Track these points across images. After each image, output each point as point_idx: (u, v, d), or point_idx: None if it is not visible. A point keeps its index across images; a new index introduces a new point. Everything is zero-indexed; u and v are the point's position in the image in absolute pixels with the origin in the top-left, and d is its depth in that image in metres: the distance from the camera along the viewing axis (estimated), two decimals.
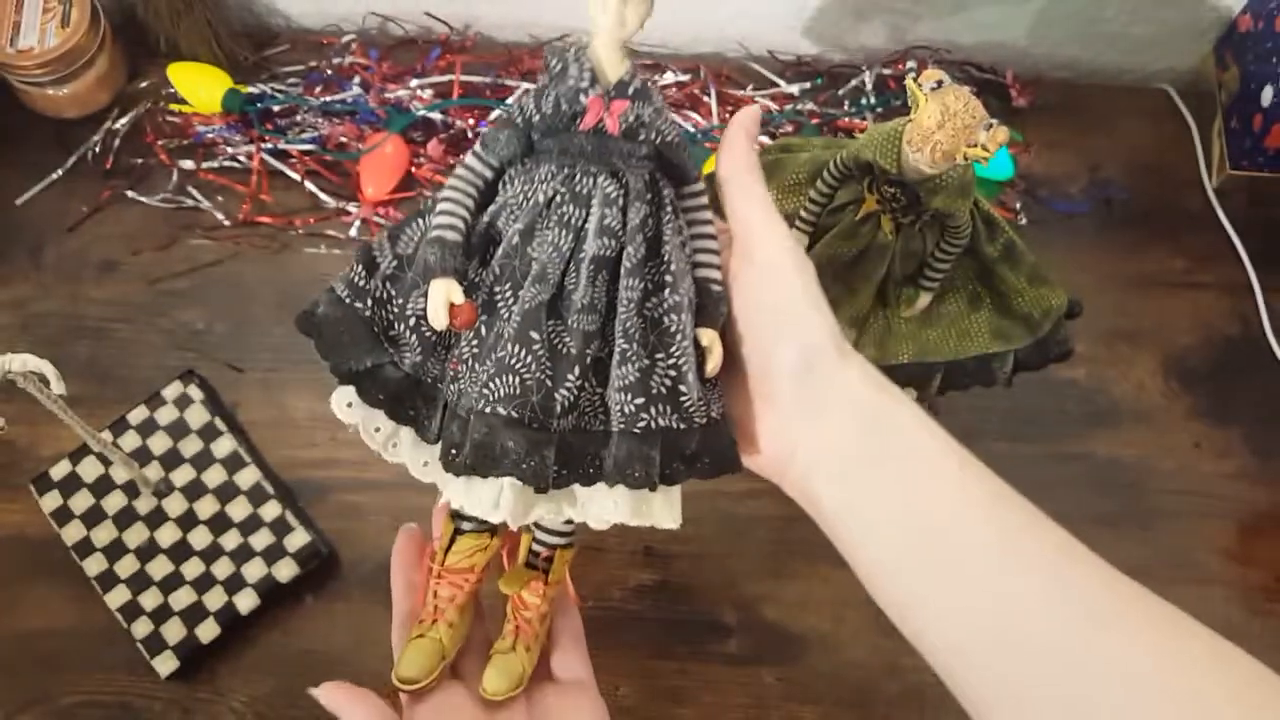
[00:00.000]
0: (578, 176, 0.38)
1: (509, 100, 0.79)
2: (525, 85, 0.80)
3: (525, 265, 0.38)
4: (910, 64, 0.83)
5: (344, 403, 0.41)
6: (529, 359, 0.37)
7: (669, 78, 0.82)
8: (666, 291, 0.38)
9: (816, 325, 0.40)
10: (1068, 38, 0.84)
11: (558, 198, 0.38)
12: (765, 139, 0.79)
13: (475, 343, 0.39)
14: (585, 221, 0.38)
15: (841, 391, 0.40)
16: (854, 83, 0.82)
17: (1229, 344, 0.75)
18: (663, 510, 0.41)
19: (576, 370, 0.38)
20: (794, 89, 0.82)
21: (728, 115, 0.80)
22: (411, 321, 0.39)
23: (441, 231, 0.38)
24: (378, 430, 0.42)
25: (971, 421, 0.71)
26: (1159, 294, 0.77)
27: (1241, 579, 0.68)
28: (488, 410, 0.37)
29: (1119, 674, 0.35)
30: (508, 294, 0.38)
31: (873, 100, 0.81)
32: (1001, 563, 0.39)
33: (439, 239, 0.38)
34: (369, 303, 0.40)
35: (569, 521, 0.44)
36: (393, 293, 0.40)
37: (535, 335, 0.37)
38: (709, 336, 0.40)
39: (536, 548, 0.48)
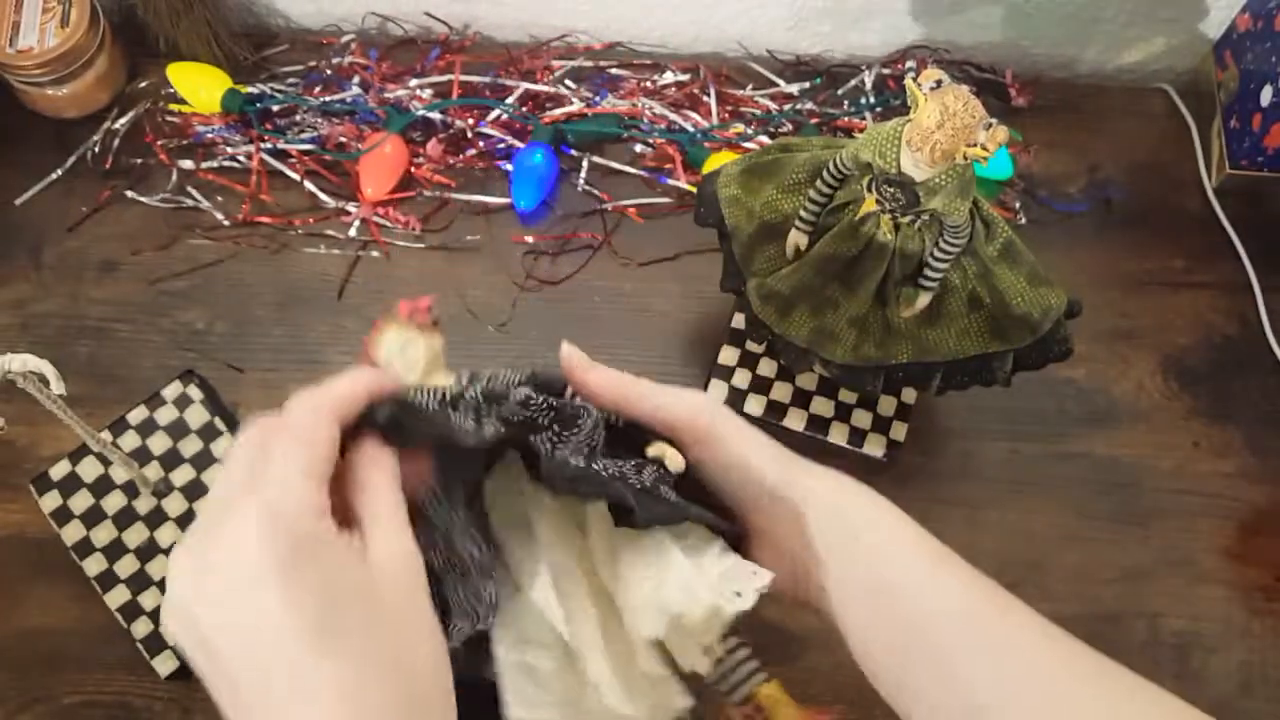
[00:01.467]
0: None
1: (509, 100, 0.79)
2: (524, 85, 0.80)
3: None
4: (910, 64, 0.83)
5: None
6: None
7: (669, 77, 0.82)
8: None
9: (762, 464, 0.43)
10: (1068, 38, 0.84)
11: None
12: (765, 139, 0.79)
13: None
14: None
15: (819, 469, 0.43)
16: (854, 83, 0.82)
17: (1229, 344, 0.75)
18: None
19: None
20: (794, 89, 0.82)
21: (728, 115, 0.80)
22: None
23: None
24: None
25: (971, 421, 0.71)
26: (1159, 294, 0.77)
27: (1241, 579, 0.68)
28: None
29: None
30: None
31: (872, 100, 0.82)
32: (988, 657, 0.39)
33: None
34: None
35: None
36: None
37: None
38: (655, 447, 0.42)
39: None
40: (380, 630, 0.32)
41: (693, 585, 0.40)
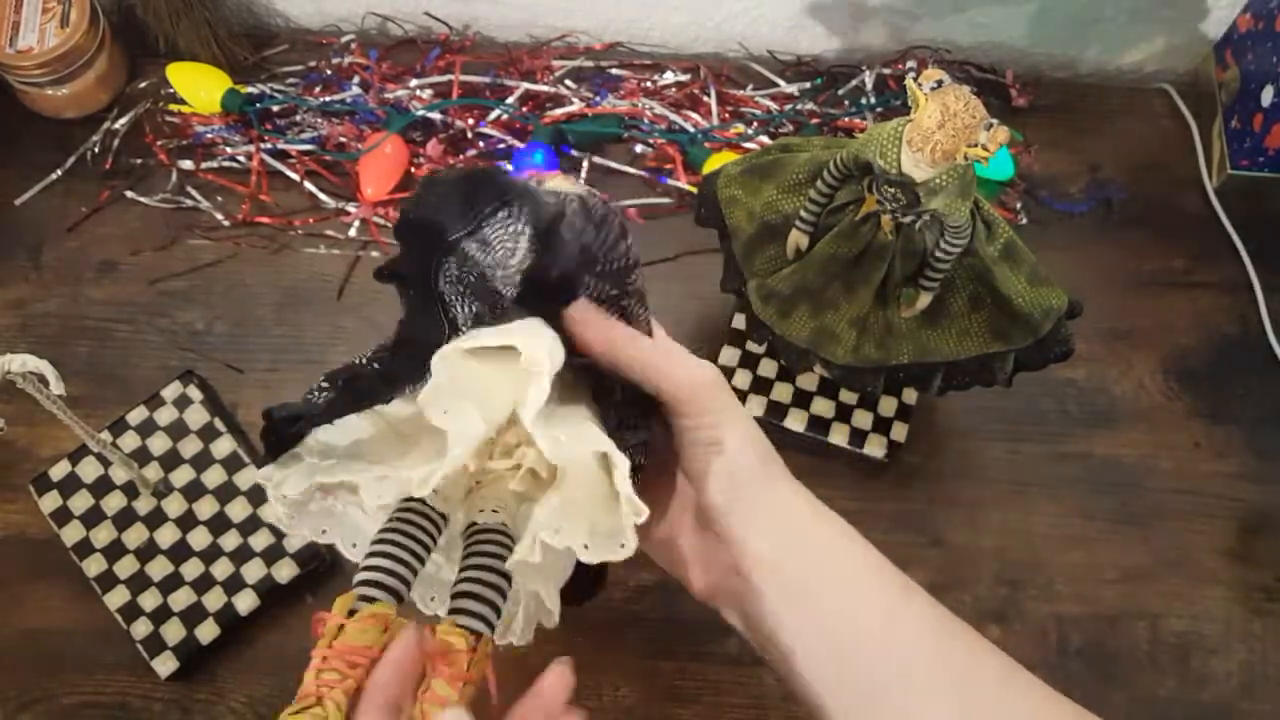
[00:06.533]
0: None
1: (509, 100, 0.79)
2: (524, 85, 0.80)
3: None
4: (910, 64, 0.83)
5: None
6: None
7: (669, 77, 0.82)
8: None
9: (738, 444, 0.40)
10: (1068, 38, 0.84)
11: None
12: (765, 139, 0.79)
13: None
14: None
15: (770, 509, 0.40)
16: (854, 83, 0.82)
17: (1229, 344, 0.75)
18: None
19: None
20: (794, 89, 0.82)
21: (728, 115, 0.80)
22: None
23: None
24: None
25: (971, 421, 0.71)
26: (1159, 294, 0.76)
27: (1241, 579, 0.68)
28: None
29: None
30: None
31: (873, 100, 0.81)
32: (942, 694, 0.38)
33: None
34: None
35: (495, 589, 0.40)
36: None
37: None
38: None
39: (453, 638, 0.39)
40: None
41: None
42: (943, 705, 0.38)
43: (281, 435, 0.40)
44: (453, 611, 0.39)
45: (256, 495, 0.65)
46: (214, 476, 0.66)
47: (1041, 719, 0.38)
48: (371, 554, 0.40)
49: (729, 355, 0.70)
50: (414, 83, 0.80)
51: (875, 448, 0.68)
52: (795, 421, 0.69)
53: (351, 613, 0.38)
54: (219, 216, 0.76)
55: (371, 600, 0.39)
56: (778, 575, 0.40)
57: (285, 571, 0.63)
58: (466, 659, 0.37)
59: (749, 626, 0.42)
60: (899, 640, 0.39)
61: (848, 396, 0.69)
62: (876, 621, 0.39)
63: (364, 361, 0.41)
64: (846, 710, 0.39)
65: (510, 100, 0.79)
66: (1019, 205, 0.79)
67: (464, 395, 0.38)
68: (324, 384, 0.41)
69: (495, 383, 0.39)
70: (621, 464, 0.37)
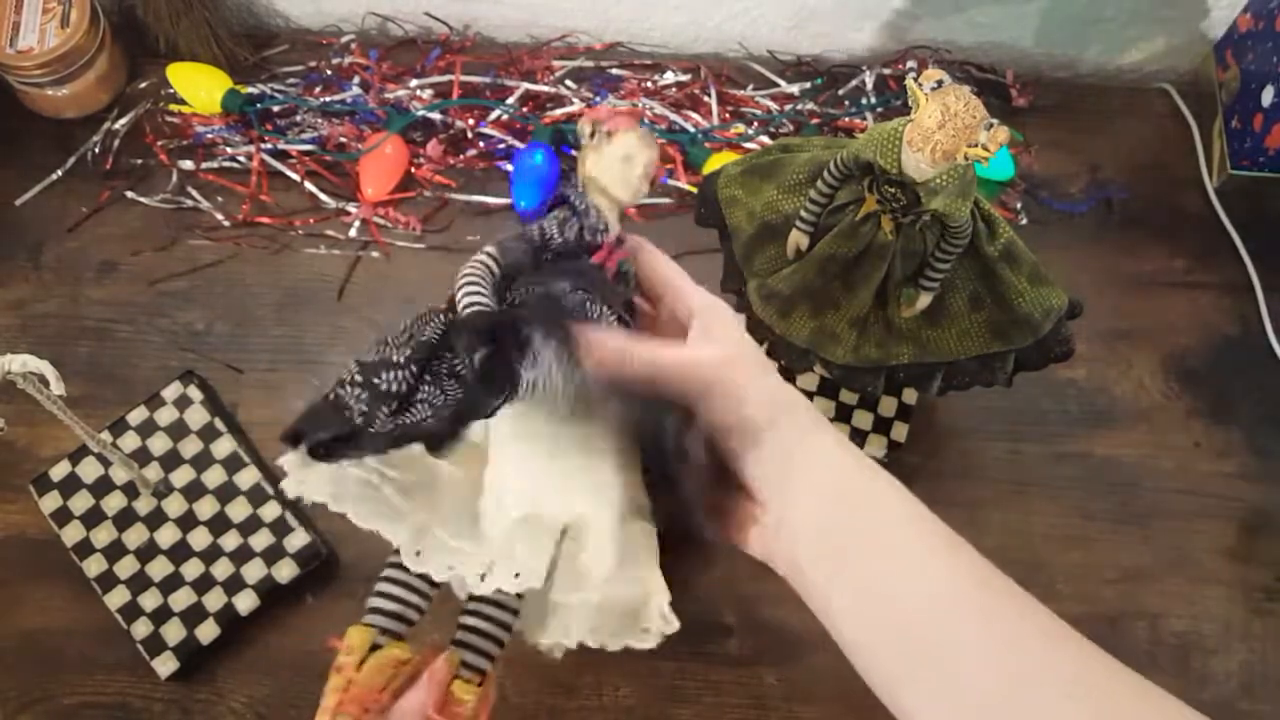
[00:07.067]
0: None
1: (509, 100, 0.79)
2: (524, 85, 0.80)
3: None
4: (910, 64, 0.83)
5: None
6: None
7: (669, 77, 0.82)
8: None
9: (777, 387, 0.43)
10: (1068, 38, 0.84)
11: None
12: (766, 139, 0.79)
13: None
14: None
15: (815, 456, 0.42)
16: (854, 83, 0.82)
17: (1229, 344, 0.75)
18: None
19: None
20: (794, 89, 0.82)
21: (728, 115, 0.80)
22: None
23: (476, 302, 0.41)
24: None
25: (971, 421, 0.71)
26: (1159, 294, 0.76)
27: (1241, 579, 0.68)
28: None
29: None
30: None
31: (873, 100, 0.81)
32: (989, 656, 0.38)
33: (475, 306, 0.41)
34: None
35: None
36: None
37: None
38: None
39: (466, 672, 0.41)
40: None
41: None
42: (991, 669, 0.38)
43: (316, 454, 0.39)
44: (459, 644, 0.41)
45: (257, 495, 0.65)
46: (214, 477, 0.66)
47: (1085, 679, 0.38)
48: (385, 579, 0.42)
49: None
50: (414, 83, 0.80)
51: (875, 448, 0.68)
52: None
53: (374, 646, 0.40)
54: (219, 217, 0.76)
55: (388, 632, 0.41)
56: (820, 545, 0.41)
57: (285, 571, 0.63)
58: (472, 711, 0.40)
59: (798, 589, 0.42)
60: (946, 607, 0.39)
61: (848, 396, 0.69)
62: (922, 586, 0.39)
63: (394, 359, 0.41)
64: (899, 678, 0.39)
65: (510, 100, 0.79)
66: (1019, 205, 0.79)
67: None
68: (357, 388, 0.40)
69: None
70: (660, 597, 0.41)
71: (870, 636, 0.40)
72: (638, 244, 0.46)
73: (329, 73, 0.81)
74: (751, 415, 0.42)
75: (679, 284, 0.45)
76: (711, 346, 0.43)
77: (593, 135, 0.44)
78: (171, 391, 0.68)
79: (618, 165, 0.44)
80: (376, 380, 0.40)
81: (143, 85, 0.80)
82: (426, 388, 0.40)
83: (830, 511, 0.41)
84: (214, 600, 0.63)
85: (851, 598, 0.40)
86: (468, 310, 0.40)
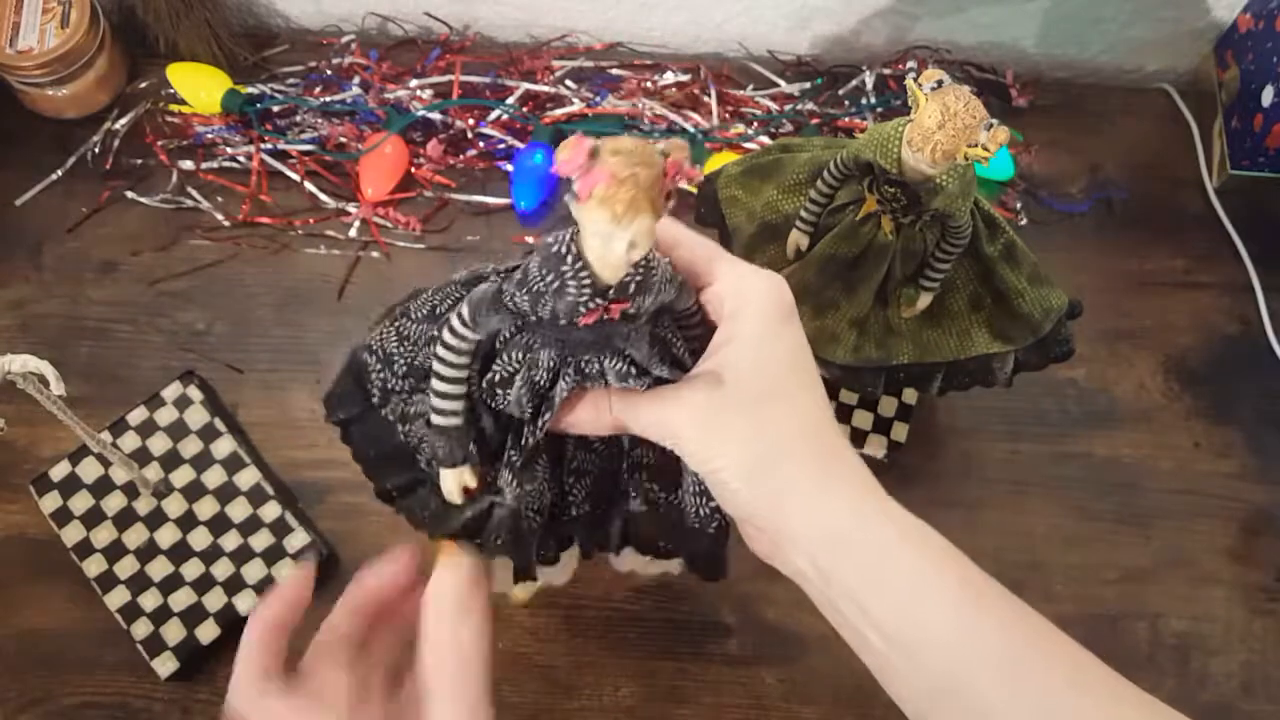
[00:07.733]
0: (583, 362, 0.38)
1: (509, 100, 0.79)
2: (524, 85, 0.80)
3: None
4: (910, 64, 0.83)
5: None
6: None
7: (669, 78, 0.82)
8: None
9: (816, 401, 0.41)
10: (1068, 38, 0.84)
11: (564, 379, 0.39)
12: (766, 139, 0.79)
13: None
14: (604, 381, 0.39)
15: (846, 469, 0.41)
16: (854, 83, 0.82)
17: (1229, 344, 0.75)
18: None
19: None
20: (794, 89, 0.82)
21: (728, 115, 0.80)
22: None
23: (444, 419, 0.40)
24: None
25: (971, 421, 0.71)
26: (1159, 294, 0.76)
27: (1241, 579, 0.68)
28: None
29: None
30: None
31: (873, 100, 0.81)
32: (1012, 686, 0.37)
33: (443, 429, 0.40)
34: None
35: None
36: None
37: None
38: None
39: None
40: None
41: None
42: (1010, 708, 0.37)
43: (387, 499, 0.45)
44: None
45: (256, 495, 0.65)
46: (214, 477, 0.66)
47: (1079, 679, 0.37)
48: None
49: None
50: (414, 83, 0.80)
51: (875, 448, 0.68)
52: None
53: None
54: (219, 217, 0.76)
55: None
56: (831, 583, 0.39)
57: (285, 572, 0.63)
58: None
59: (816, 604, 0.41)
60: (965, 645, 0.38)
61: (848, 396, 0.69)
62: (939, 629, 0.38)
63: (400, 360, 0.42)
64: (920, 711, 0.39)
65: (510, 100, 0.79)
66: (1019, 205, 0.79)
67: None
68: (377, 361, 0.42)
69: None
70: None
71: (891, 672, 0.39)
72: (664, 241, 0.40)
73: (329, 73, 0.81)
74: (721, 471, 0.39)
75: (702, 268, 0.41)
76: (698, 393, 0.39)
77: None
78: (171, 391, 0.68)
79: (595, 244, 0.33)
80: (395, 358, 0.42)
81: (143, 85, 0.80)
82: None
83: (837, 564, 0.40)
84: (214, 600, 0.63)
85: (867, 639, 0.39)
86: (440, 441, 0.40)
